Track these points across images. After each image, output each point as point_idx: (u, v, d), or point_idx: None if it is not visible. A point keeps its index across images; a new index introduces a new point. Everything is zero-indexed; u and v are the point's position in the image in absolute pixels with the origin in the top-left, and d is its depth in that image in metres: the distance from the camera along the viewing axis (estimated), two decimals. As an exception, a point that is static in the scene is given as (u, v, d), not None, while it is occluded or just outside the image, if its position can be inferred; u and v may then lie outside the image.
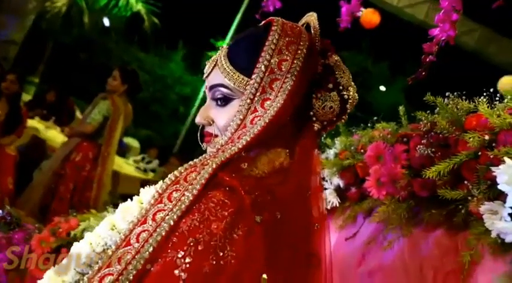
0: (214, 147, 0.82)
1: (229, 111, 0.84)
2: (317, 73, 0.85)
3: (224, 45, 0.91)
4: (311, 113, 0.85)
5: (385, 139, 1.39)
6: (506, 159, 0.84)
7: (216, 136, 0.86)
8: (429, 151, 1.14)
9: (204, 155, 0.79)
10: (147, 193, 0.93)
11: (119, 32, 9.21)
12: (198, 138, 0.90)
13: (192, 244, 0.69)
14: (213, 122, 0.87)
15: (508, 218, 0.85)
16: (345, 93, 0.85)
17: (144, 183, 5.10)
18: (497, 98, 1.10)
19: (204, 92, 0.92)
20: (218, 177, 0.76)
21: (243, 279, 0.73)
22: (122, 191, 4.72)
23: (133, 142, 6.90)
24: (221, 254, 0.70)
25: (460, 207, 1.02)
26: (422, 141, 1.18)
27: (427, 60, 1.23)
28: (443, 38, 1.18)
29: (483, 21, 7.20)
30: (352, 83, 0.87)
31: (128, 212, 0.85)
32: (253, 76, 0.81)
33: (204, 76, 0.90)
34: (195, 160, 0.79)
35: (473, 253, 0.94)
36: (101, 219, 1.98)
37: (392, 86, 7.68)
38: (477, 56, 7.64)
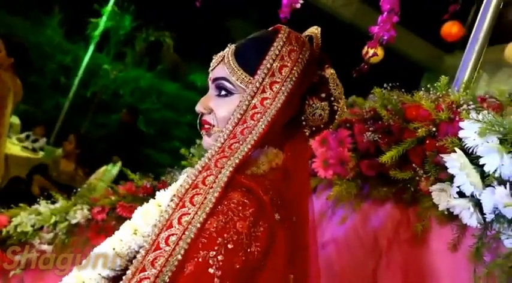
0: (212, 138, 0.92)
1: (229, 103, 0.91)
2: (313, 82, 0.95)
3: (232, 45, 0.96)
4: (302, 118, 0.95)
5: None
6: (457, 149, 1.03)
7: (213, 126, 0.93)
8: (377, 138, 1.33)
9: (211, 154, 0.86)
10: (164, 197, 0.96)
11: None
12: (198, 125, 0.98)
13: (221, 243, 0.76)
14: (212, 111, 0.94)
15: (456, 195, 1.06)
16: (335, 104, 0.96)
17: (37, 164, 4.74)
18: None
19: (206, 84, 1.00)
20: (235, 179, 0.83)
21: (270, 271, 0.82)
22: (13, 173, 4.34)
23: (13, 119, 6.28)
24: (248, 250, 0.78)
25: (409, 185, 1.22)
26: (370, 129, 1.35)
27: (372, 55, 1.39)
28: (385, 37, 1.34)
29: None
30: (343, 97, 0.98)
31: (148, 216, 0.88)
32: (256, 76, 0.89)
33: (210, 69, 0.97)
34: (205, 161, 0.85)
35: (424, 224, 1.15)
36: (33, 212, 1.88)
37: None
38: (354, 27, 8.34)
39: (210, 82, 0.98)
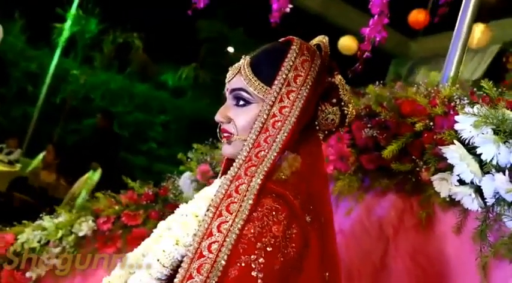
0: (232, 145, 0.99)
1: (247, 112, 0.98)
2: (324, 88, 1.02)
3: (247, 57, 1.02)
4: (315, 123, 1.03)
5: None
6: (455, 141, 1.13)
7: (233, 134, 0.99)
8: (376, 133, 1.42)
9: (239, 164, 0.91)
10: (190, 207, 1.01)
11: None
12: (218, 134, 1.04)
13: (261, 247, 0.83)
14: (231, 120, 1.00)
15: (457, 183, 1.15)
16: (345, 108, 1.03)
17: (15, 177, 4.65)
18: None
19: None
20: (265, 186, 0.90)
21: (308, 272, 0.89)
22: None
23: (-19, 131, 6.13)
24: (285, 251, 0.85)
25: (410, 176, 1.32)
26: (368, 125, 1.44)
27: (364, 56, 1.48)
28: (377, 39, 1.43)
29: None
30: (352, 100, 1.05)
31: (188, 227, 0.93)
32: (273, 86, 0.95)
33: (227, 80, 1.03)
34: (234, 171, 0.91)
35: (428, 211, 1.25)
36: (37, 228, 1.89)
37: (250, 49, 8.09)
38: (321, 18, 8.47)
39: (227, 92, 1.04)
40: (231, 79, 1.02)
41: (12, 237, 1.81)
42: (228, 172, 0.93)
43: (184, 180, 1.94)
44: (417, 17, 4.65)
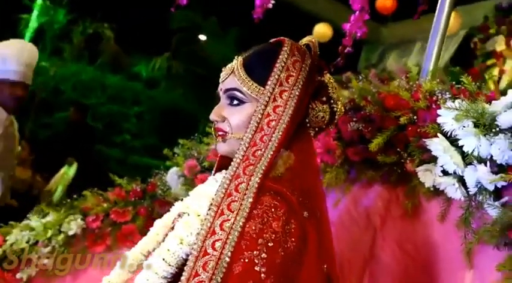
0: (227, 143, 1.03)
1: (241, 111, 1.02)
2: (315, 87, 1.06)
3: (240, 57, 1.06)
4: (306, 120, 1.07)
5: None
6: (439, 134, 1.19)
7: (227, 133, 1.04)
8: (361, 127, 1.47)
9: (237, 163, 0.95)
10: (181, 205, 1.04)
11: None
12: (213, 132, 1.09)
13: (263, 243, 0.87)
14: (226, 119, 1.04)
15: (441, 174, 1.22)
16: (334, 106, 1.08)
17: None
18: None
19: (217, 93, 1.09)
20: (263, 184, 0.94)
21: (308, 265, 0.94)
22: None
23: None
24: (285, 246, 0.89)
25: (395, 168, 1.38)
26: (353, 119, 1.50)
27: (345, 51, 1.52)
28: (358, 34, 1.48)
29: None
30: (341, 98, 1.10)
31: (191, 226, 0.96)
32: (267, 87, 1.00)
33: (221, 80, 1.07)
34: (233, 170, 0.95)
35: (413, 201, 1.31)
36: (25, 228, 1.88)
37: (223, 39, 8.08)
38: (291, 5, 8.48)
39: (221, 92, 1.08)
40: (225, 79, 1.06)
41: (1, 238, 1.80)
42: (227, 171, 0.97)
43: (172, 176, 1.96)
44: (384, 2, 4.73)
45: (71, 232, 1.84)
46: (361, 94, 1.55)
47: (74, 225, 1.84)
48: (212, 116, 1.07)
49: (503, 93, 1.19)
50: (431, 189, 1.27)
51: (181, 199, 1.20)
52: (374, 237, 1.41)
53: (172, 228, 1.06)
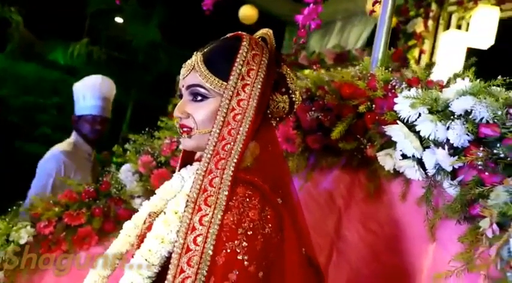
0: (193, 139, 1.07)
1: (205, 106, 1.06)
2: (273, 79, 1.10)
3: (199, 53, 1.09)
4: (268, 111, 1.11)
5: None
6: (398, 121, 1.28)
7: (192, 128, 1.06)
8: (320, 116, 1.53)
9: (208, 158, 0.98)
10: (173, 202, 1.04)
11: None
12: (178, 129, 1.11)
13: (242, 233, 0.91)
14: (189, 115, 1.07)
15: (401, 157, 1.32)
16: (293, 96, 1.14)
17: None
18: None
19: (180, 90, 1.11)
20: (236, 176, 0.97)
21: (289, 252, 0.98)
22: None
23: None
24: (263, 232, 0.94)
25: (355, 153, 1.47)
26: (313, 108, 1.55)
27: (302, 42, 1.57)
28: (313, 26, 1.53)
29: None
30: (298, 88, 1.15)
31: (170, 224, 0.96)
32: (229, 82, 1.03)
33: (182, 77, 1.09)
34: (204, 165, 0.98)
35: (375, 183, 1.41)
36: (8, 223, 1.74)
37: (148, 23, 7.80)
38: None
39: (183, 89, 1.10)
40: (186, 76, 1.08)
41: None
42: (199, 167, 0.99)
43: (126, 173, 1.91)
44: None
45: (22, 241, 1.73)
46: (315, 84, 1.61)
47: (24, 233, 1.74)
48: (176, 113, 1.09)
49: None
50: (391, 171, 1.37)
51: (145, 199, 1.19)
52: (339, 219, 1.49)
53: (148, 228, 1.06)
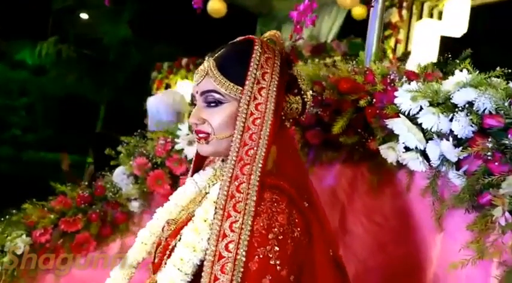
0: (210, 144, 1.06)
1: (221, 112, 1.05)
2: (286, 81, 1.10)
3: (211, 59, 1.08)
4: (282, 113, 1.11)
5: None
6: (400, 114, 1.31)
7: (209, 134, 1.06)
8: (319, 112, 1.55)
9: (232, 164, 0.98)
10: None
11: None
12: (195, 135, 1.10)
13: (273, 237, 0.92)
14: (205, 121, 1.06)
15: (403, 150, 1.35)
16: (305, 96, 1.15)
17: None
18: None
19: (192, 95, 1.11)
20: (263, 181, 0.97)
21: (312, 248, 1.00)
22: None
23: None
24: (293, 236, 0.95)
25: (357, 147, 1.49)
26: (311, 104, 1.56)
27: (298, 38, 1.57)
28: (309, 23, 1.53)
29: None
30: (309, 88, 1.16)
31: (200, 233, 0.96)
32: (246, 86, 1.03)
33: (196, 83, 1.09)
34: (230, 171, 0.97)
35: (379, 177, 1.43)
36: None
37: (118, 20, 7.63)
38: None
39: (197, 95, 1.09)
40: (200, 82, 1.07)
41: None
42: (224, 174, 0.98)
43: (120, 176, 1.87)
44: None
45: (19, 251, 1.68)
46: (311, 79, 1.62)
47: (20, 243, 1.69)
48: (192, 120, 1.08)
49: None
50: (394, 164, 1.40)
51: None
52: (343, 213, 1.52)
53: (171, 236, 1.05)
